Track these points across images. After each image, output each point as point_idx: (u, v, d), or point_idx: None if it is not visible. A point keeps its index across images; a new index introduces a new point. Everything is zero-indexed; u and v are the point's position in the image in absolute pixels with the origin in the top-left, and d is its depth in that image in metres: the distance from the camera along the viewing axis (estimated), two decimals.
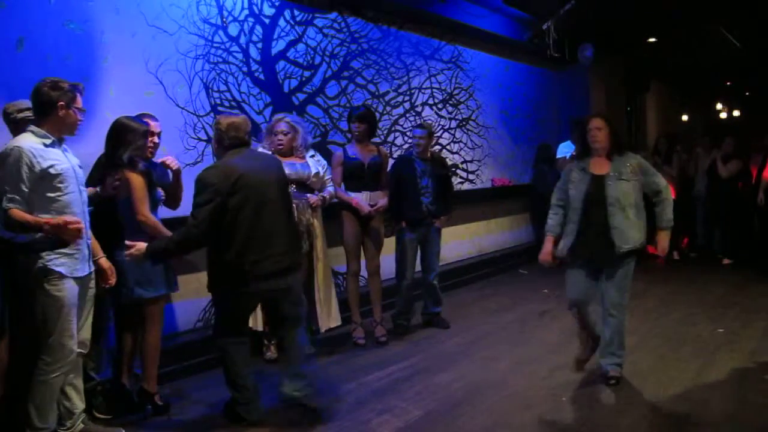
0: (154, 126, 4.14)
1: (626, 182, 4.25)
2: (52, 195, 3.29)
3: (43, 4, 4.30)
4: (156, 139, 4.18)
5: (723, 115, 18.80)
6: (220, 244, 3.66)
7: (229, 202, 3.59)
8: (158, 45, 4.96)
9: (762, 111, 16.45)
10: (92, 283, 3.56)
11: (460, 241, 8.24)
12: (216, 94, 5.37)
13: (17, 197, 3.19)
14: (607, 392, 4.31)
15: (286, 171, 4.58)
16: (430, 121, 7.50)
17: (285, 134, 4.85)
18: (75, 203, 3.39)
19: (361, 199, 5.39)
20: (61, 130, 3.40)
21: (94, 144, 4.09)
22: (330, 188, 5.21)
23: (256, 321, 4.85)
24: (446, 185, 5.97)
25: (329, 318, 5.17)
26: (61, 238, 3.15)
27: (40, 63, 4.21)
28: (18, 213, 3.17)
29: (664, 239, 4.45)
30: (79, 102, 3.43)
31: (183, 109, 5.14)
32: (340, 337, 5.58)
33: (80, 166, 3.52)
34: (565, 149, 8.55)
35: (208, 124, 5.25)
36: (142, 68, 4.87)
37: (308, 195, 4.95)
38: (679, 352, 5.13)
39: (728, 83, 16.27)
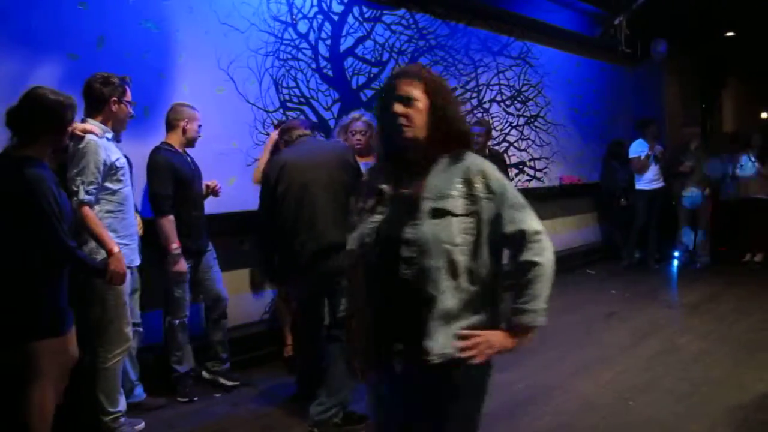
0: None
1: None
2: (114, 188, 3.42)
3: (121, 4, 4.43)
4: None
5: None
6: (279, 231, 3.79)
7: (276, 190, 3.76)
8: (229, 42, 5.05)
9: None
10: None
11: None
12: (285, 91, 5.45)
13: (92, 189, 3.30)
14: (677, 398, 4.20)
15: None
16: (487, 118, 7.42)
17: (363, 133, 4.77)
18: (129, 197, 3.53)
19: None
20: (114, 124, 3.53)
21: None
22: None
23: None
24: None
25: None
26: (108, 271, 3.17)
27: (119, 60, 4.33)
28: (95, 222, 3.28)
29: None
30: (129, 95, 3.57)
31: (253, 105, 5.22)
32: None
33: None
34: (638, 148, 8.42)
35: (277, 119, 5.33)
36: (214, 65, 4.97)
37: None
38: (754, 359, 4.95)
39: None
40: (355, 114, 4.95)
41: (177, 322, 4.29)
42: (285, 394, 4.30)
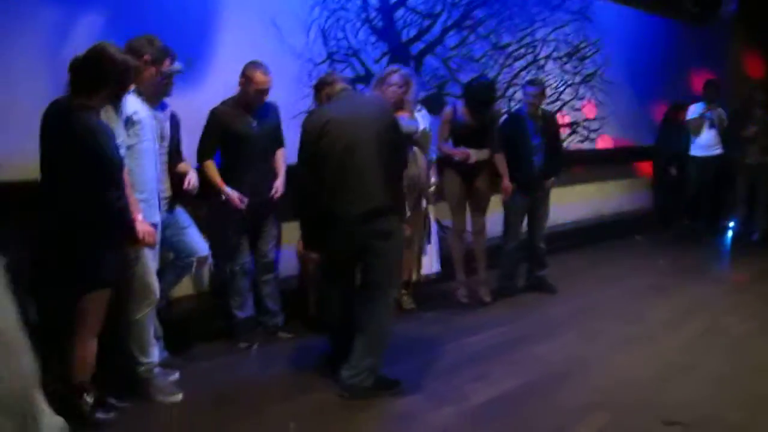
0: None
1: None
2: (130, 142, 3.39)
3: None
4: None
5: None
6: (320, 191, 3.68)
7: (319, 146, 3.63)
8: None
9: None
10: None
11: (575, 203, 7.92)
12: (333, 42, 5.31)
13: None
14: (717, 381, 4.05)
15: None
16: (542, 76, 7.15)
17: (399, 87, 4.72)
18: (147, 152, 3.48)
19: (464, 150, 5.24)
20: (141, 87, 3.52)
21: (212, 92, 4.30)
22: (433, 149, 5.19)
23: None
24: (557, 144, 5.75)
25: (429, 265, 5.23)
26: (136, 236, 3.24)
27: (161, 8, 4.26)
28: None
29: None
30: (166, 64, 3.58)
31: (299, 56, 5.10)
32: (443, 295, 5.52)
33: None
34: (696, 109, 8.07)
35: (323, 72, 5.20)
36: (258, 14, 4.85)
37: (414, 148, 4.88)
38: None
39: None
40: (392, 67, 4.85)
41: (237, 267, 4.42)
42: (317, 353, 4.27)
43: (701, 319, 5.25)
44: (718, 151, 8.21)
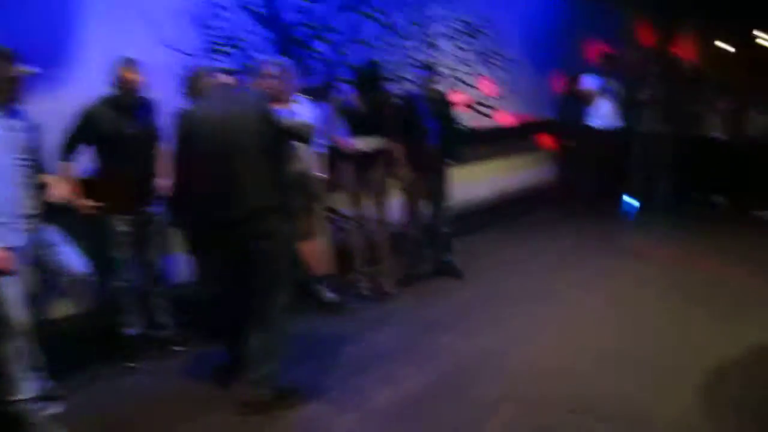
0: None
1: None
2: None
3: None
4: None
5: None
6: (187, 187, 3.51)
7: (191, 148, 3.44)
8: None
9: None
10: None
11: (479, 182, 7.84)
12: (211, 32, 4.99)
13: None
14: (627, 358, 4.01)
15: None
16: (435, 56, 7.00)
17: (274, 78, 4.44)
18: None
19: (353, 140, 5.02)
20: None
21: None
22: (320, 142, 4.89)
23: None
24: (452, 126, 5.61)
25: (323, 268, 4.97)
26: None
27: None
28: None
29: None
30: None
31: (173, 49, 4.76)
32: (346, 289, 5.30)
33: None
34: (590, 81, 8.13)
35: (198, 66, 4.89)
36: (127, 5, 4.49)
37: (297, 143, 4.60)
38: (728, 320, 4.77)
39: None
40: (269, 58, 4.61)
41: (121, 282, 4.13)
42: (215, 364, 3.96)
43: (610, 294, 5.24)
44: (616, 122, 8.28)
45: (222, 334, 3.84)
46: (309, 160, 4.70)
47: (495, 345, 4.26)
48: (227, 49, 5.09)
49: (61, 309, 4.10)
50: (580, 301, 5.08)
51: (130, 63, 3.98)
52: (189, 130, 3.48)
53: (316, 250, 4.87)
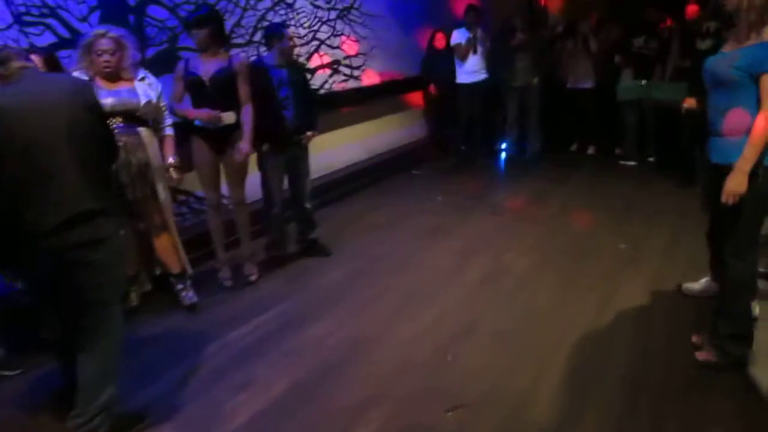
0: None
1: None
2: None
3: None
4: None
5: None
6: None
7: None
8: None
9: None
10: None
11: (345, 146, 7.45)
12: (20, 0, 4.31)
13: None
14: (500, 341, 3.80)
15: (108, 101, 3.84)
16: (289, 20, 6.50)
17: (111, 53, 3.91)
18: None
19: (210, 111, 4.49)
20: None
21: None
22: (168, 122, 4.41)
23: None
24: (308, 94, 5.19)
25: (176, 264, 4.44)
26: None
27: None
28: None
29: None
30: None
31: None
32: (205, 278, 4.85)
33: None
34: (459, 35, 7.94)
35: (12, 40, 4.23)
36: None
37: (139, 129, 4.07)
38: (579, 282, 4.65)
39: None
40: (98, 30, 3.97)
41: None
42: (51, 388, 3.47)
43: (482, 260, 5.05)
44: (484, 75, 8.13)
45: (54, 352, 3.35)
46: (154, 146, 4.16)
47: (364, 333, 3.95)
48: (42, 20, 4.41)
49: None
50: (452, 271, 4.85)
51: None
52: None
53: (167, 246, 4.37)
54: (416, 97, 8.93)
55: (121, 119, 3.94)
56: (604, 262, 4.88)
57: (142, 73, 4.25)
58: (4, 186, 2.84)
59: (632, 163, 7.98)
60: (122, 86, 3.99)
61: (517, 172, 8.05)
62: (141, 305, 4.42)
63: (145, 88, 4.13)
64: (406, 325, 4.04)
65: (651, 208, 6.11)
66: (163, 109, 4.33)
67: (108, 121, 3.79)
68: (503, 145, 8.89)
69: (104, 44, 3.90)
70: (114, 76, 3.97)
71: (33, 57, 3.56)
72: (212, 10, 4.91)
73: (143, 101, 4.03)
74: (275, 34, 4.96)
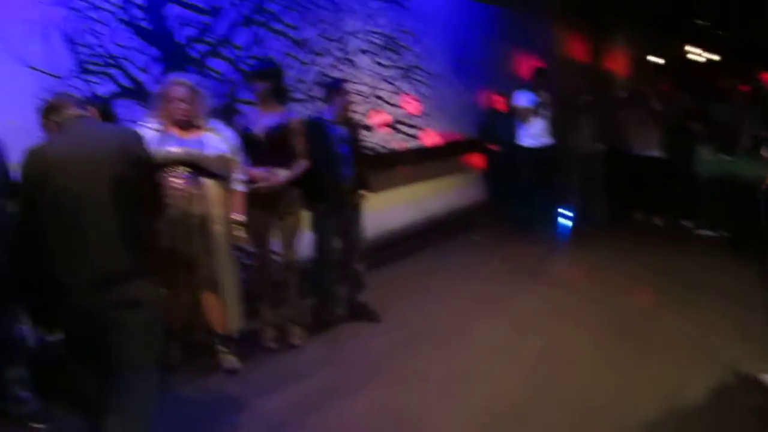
0: None
1: None
2: None
3: None
4: None
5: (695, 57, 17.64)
6: (39, 250, 2.81)
7: (39, 196, 2.76)
8: None
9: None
10: None
11: (402, 206, 7.28)
12: (84, 50, 4.32)
13: None
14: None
15: (176, 150, 3.81)
16: (351, 77, 6.44)
17: (186, 101, 3.87)
18: None
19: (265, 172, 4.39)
20: None
21: None
22: (240, 178, 4.17)
23: None
24: (362, 152, 5.11)
25: (231, 320, 4.25)
26: None
27: None
28: None
29: None
30: None
31: (35, 69, 4.09)
32: (249, 339, 4.67)
33: None
34: (523, 97, 7.78)
35: (74, 87, 4.23)
36: None
37: (204, 180, 3.93)
38: (643, 365, 4.34)
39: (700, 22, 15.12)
40: (174, 77, 3.97)
41: None
42: None
43: (536, 337, 4.76)
44: (547, 140, 7.92)
45: (83, 410, 3.20)
46: (217, 200, 4.04)
47: (409, 412, 3.72)
48: (105, 69, 4.42)
49: None
50: (505, 346, 4.59)
51: None
52: (34, 174, 2.84)
53: (215, 305, 4.19)
54: (475, 159, 8.74)
55: (187, 169, 3.84)
56: (670, 348, 4.53)
57: (216, 125, 4.11)
58: (40, 238, 2.78)
59: (708, 233, 7.64)
60: (193, 136, 3.91)
61: (578, 242, 7.74)
62: (182, 362, 4.27)
63: (217, 140, 4.00)
64: (452, 406, 3.79)
65: (723, 288, 5.73)
66: (236, 163, 4.16)
67: (174, 170, 3.75)
68: (565, 213, 8.59)
69: (180, 92, 3.87)
70: (187, 124, 3.91)
71: (89, 107, 3.54)
72: (274, 64, 4.89)
73: (211, 153, 3.92)
74: (334, 88, 4.90)
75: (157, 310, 3.05)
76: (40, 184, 2.80)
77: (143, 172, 2.99)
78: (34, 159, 2.86)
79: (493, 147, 8.31)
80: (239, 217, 4.14)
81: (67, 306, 2.83)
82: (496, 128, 8.22)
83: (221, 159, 3.99)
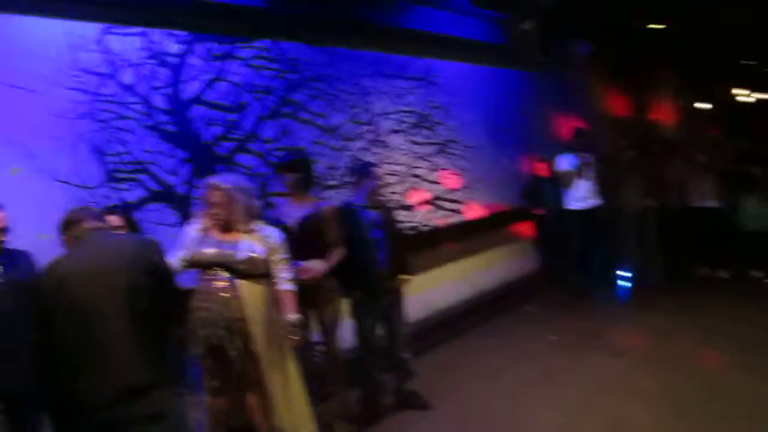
0: None
1: None
2: None
3: None
4: None
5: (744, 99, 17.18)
6: (57, 366, 2.80)
7: (53, 314, 2.77)
8: (20, 108, 3.97)
9: None
10: None
11: (451, 284, 7.08)
12: (112, 158, 4.38)
13: None
14: None
15: (210, 251, 3.72)
16: (385, 158, 6.41)
17: (221, 206, 3.77)
18: None
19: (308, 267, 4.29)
20: None
21: None
22: (286, 276, 3.95)
23: None
24: (398, 236, 4.99)
25: (264, 427, 4.03)
26: None
27: None
28: None
29: None
30: None
31: (64, 182, 4.14)
32: None
33: None
34: (565, 161, 7.60)
35: (102, 196, 4.27)
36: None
37: (238, 281, 3.76)
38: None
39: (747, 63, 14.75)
40: (210, 181, 3.87)
41: None
42: None
43: (598, 415, 4.45)
44: (595, 201, 7.68)
45: None
46: (258, 297, 3.88)
47: None
48: (133, 175, 4.46)
49: None
50: (565, 429, 4.29)
51: None
52: (50, 288, 2.83)
53: (257, 405, 3.98)
54: (523, 228, 8.51)
55: (221, 270, 3.76)
56: (754, 421, 4.16)
57: (260, 227, 3.94)
58: (66, 354, 2.76)
59: None
60: (231, 237, 3.81)
61: (637, 305, 7.36)
62: None
63: (253, 242, 3.85)
64: None
65: None
66: (282, 262, 3.96)
67: (212, 273, 3.66)
68: (621, 275, 8.25)
69: (214, 197, 3.80)
70: (227, 226, 3.83)
71: (110, 217, 3.55)
72: (303, 155, 4.89)
73: (242, 255, 3.80)
74: (362, 172, 4.84)
75: (181, 419, 2.96)
76: (56, 298, 2.80)
77: (157, 280, 2.96)
78: (51, 274, 2.89)
79: (541, 212, 8.11)
80: (292, 317, 3.93)
81: (90, 423, 2.78)
82: (542, 195, 8.04)
83: (251, 261, 3.84)
